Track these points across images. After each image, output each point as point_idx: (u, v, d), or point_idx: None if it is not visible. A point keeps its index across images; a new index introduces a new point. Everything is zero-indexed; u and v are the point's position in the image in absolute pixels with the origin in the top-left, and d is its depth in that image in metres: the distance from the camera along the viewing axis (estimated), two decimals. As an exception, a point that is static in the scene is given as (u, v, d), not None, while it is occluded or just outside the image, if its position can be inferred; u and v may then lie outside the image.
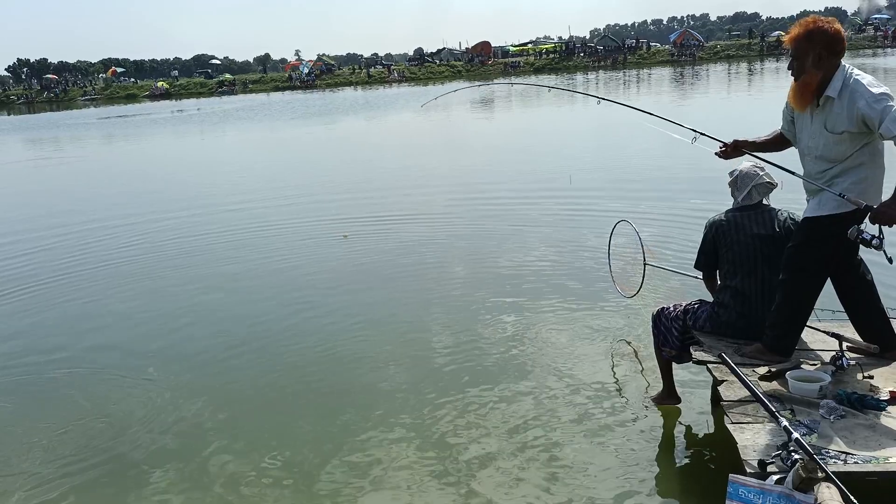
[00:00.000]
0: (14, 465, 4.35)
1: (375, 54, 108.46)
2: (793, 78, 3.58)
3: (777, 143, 3.97)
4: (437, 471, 3.98)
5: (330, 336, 6.09)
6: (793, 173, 3.86)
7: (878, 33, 69.89)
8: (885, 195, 3.45)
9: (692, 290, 5.48)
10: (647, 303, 5.95)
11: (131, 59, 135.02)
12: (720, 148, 4.12)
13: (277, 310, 6.84)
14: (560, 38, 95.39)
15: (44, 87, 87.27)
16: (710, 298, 4.24)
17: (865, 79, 3.39)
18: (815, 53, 3.43)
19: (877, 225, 3.38)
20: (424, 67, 75.22)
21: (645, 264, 5.52)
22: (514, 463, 3.99)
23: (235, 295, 7.42)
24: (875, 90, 3.32)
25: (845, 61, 3.48)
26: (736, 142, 4.05)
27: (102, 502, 4.01)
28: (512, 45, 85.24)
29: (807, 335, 3.98)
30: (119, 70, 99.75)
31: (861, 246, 3.49)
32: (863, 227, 3.41)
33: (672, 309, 4.25)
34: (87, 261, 9.22)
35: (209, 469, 4.18)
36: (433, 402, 4.72)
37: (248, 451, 4.33)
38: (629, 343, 5.50)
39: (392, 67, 77.91)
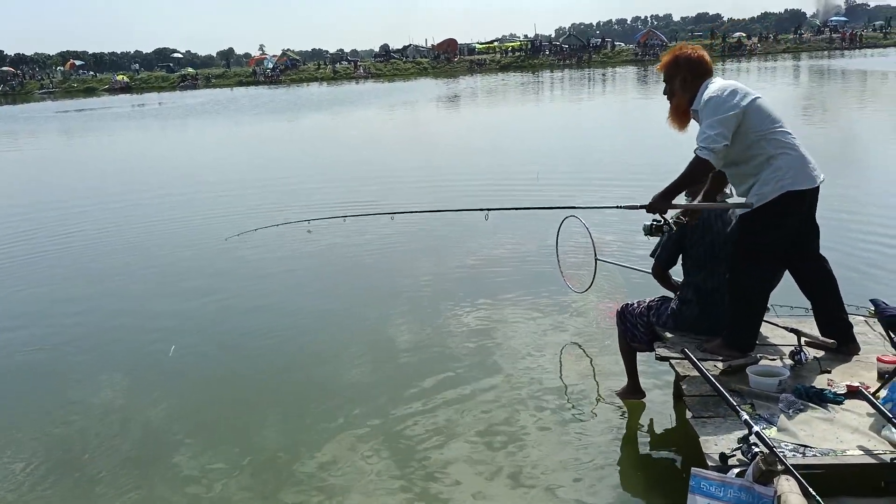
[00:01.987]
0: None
1: (341, 50, 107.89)
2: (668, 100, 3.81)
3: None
4: (401, 469, 3.97)
5: (293, 335, 6.04)
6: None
7: (836, 35, 71.48)
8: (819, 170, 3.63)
9: (648, 284, 5.52)
10: (610, 298, 6.01)
11: (90, 52, 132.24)
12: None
13: (240, 308, 6.77)
14: (526, 36, 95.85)
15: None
16: (664, 293, 4.32)
17: (707, 88, 3.60)
18: (680, 77, 3.70)
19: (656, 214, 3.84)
20: (390, 64, 75.02)
21: (596, 260, 5.55)
22: (479, 460, 4.00)
23: (195, 292, 7.30)
24: (704, 96, 3.56)
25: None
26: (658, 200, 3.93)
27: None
28: (478, 43, 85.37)
29: (766, 330, 4.04)
30: (78, 63, 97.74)
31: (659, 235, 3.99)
32: (651, 222, 3.95)
33: (636, 305, 4.29)
34: (37, 253, 9.05)
35: (170, 473, 4.10)
36: (398, 402, 4.69)
37: (210, 453, 4.27)
38: (593, 338, 5.54)
39: (358, 63, 77.52)
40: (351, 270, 7.76)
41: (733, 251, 3.78)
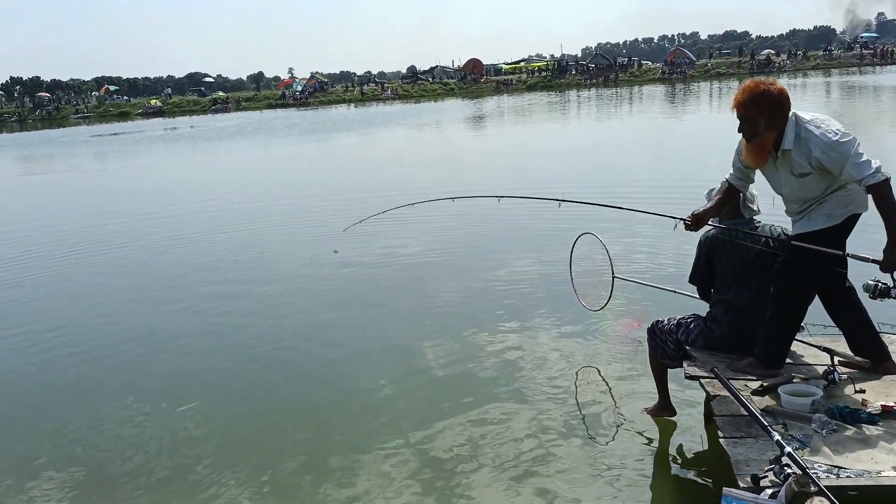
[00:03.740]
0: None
1: (369, 72, 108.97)
2: (745, 140, 3.65)
3: (728, 198, 3.99)
4: (427, 489, 3.95)
5: (323, 353, 6.07)
6: None
7: (867, 51, 70.72)
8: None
9: (666, 301, 5.47)
10: (629, 315, 5.95)
11: (124, 77, 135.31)
12: (686, 222, 4.05)
13: (269, 326, 6.82)
14: (552, 55, 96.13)
15: (36, 104, 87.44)
16: (693, 309, 4.29)
17: (818, 128, 3.46)
18: (766, 117, 3.52)
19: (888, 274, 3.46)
20: (418, 85, 75.67)
21: (613, 277, 5.49)
22: (506, 477, 3.97)
23: (222, 310, 7.38)
24: (829, 137, 3.41)
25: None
26: (696, 216, 4.00)
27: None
28: (504, 64, 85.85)
29: (799, 349, 3.99)
30: (112, 88, 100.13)
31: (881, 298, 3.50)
32: (876, 280, 3.49)
33: (666, 322, 4.26)
34: (69, 270, 9.24)
35: (195, 489, 4.12)
36: (424, 421, 4.68)
37: (240, 469, 4.28)
38: (618, 356, 5.49)
39: (385, 85, 78.30)
40: (378, 289, 7.81)
41: (788, 269, 3.69)
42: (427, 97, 67.48)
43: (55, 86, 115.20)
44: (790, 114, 3.53)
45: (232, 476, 4.22)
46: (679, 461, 4.14)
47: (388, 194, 14.11)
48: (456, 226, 10.87)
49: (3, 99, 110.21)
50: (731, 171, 3.93)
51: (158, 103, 79.94)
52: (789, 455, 2.76)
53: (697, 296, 4.56)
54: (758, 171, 3.88)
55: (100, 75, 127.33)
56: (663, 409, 4.42)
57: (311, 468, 4.26)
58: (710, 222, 4.18)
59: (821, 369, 3.72)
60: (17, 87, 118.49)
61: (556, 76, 72.73)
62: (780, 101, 3.51)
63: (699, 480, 3.94)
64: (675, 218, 4.08)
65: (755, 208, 4.09)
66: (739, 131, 3.65)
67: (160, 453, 4.56)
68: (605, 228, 8.76)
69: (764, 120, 3.52)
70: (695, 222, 3.99)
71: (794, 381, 3.62)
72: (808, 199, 3.63)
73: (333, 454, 4.38)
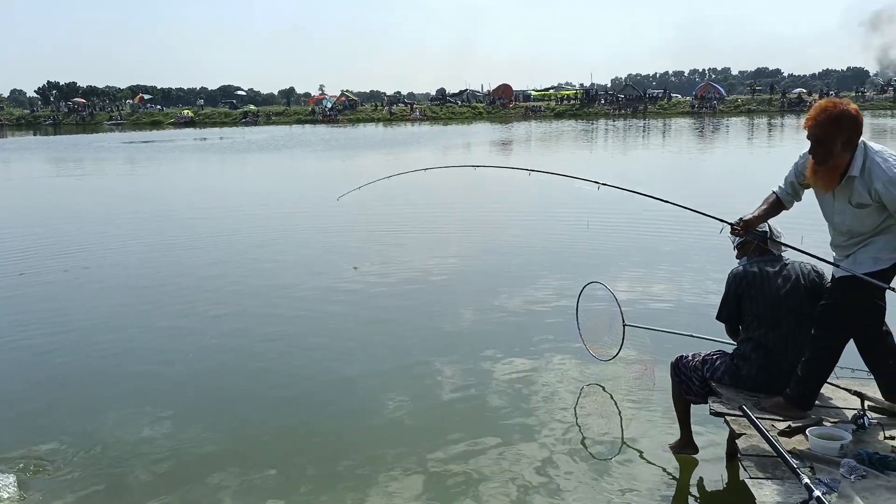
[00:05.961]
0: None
1: (398, 92, 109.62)
2: (815, 162, 3.53)
3: (774, 210, 3.92)
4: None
5: (337, 369, 6.06)
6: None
7: (901, 94, 70.11)
8: None
9: (677, 344, 5.35)
10: (640, 361, 5.88)
11: (159, 87, 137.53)
12: (733, 228, 3.96)
13: (284, 340, 6.85)
14: (582, 84, 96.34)
15: (71, 110, 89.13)
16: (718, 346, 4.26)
17: (886, 160, 3.39)
18: (844, 137, 3.43)
19: None
20: (446, 107, 76.12)
21: (624, 325, 5.35)
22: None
23: (237, 321, 7.42)
24: (895, 172, 3.34)
25: (868, 119, 3.51)
26: (746, 222, 3.90)
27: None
28: (534, 90, 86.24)
29: (828, 392, 3.93)
30: (146, 97, 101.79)
31: None
32: None
33: (690, 358, 4.22)
34: (86, 280, 9.33)
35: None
36: (437, 447, 4.63)
37: (247, 487, 4.25)
38: (635, 394, 5.41)
39: (414, 106, 78.86)
40: (395, 303, 7.84)
41: (833, 312, 3.61)
42: (455, 119, 67.80)
43: (91, 92, 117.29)
44: (860, 140, 3.47)
45: (241, 488, 4.20)
46: (700, 499, 4.08)
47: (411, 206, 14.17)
48: (482, 247, 10.88)
49: (40, 103, 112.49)
50: (781, 185, 3.85)
51: (190, 114, 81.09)
52: (818, 499, 2.71)
53: (706, 337, 4.55)
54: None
55: (135, 84, 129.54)
56: (685, 446, 4.36)
57: (321, 484, 4.23)
58: (738, 262, 4.16)
59: (850, 413, 3.66)
60: (54, 92, 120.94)
61: (584, 105, 72.88)
62: (858, 122, 3.45)
63: (720, 520, 3.87)
64: (722, 221, 3.99)
65: (782, 246, 4.04)
66: (811, 153, 3.54)
67: (171, 463, 4.53)
68: (627, 265, 8.75)
69: (841, 140, 3.43)
70: (744, 227, 3.89)
71: (823, 423, 3.56)
72: (857, 233, 3.55)
73: (342, 475, 4.34)
